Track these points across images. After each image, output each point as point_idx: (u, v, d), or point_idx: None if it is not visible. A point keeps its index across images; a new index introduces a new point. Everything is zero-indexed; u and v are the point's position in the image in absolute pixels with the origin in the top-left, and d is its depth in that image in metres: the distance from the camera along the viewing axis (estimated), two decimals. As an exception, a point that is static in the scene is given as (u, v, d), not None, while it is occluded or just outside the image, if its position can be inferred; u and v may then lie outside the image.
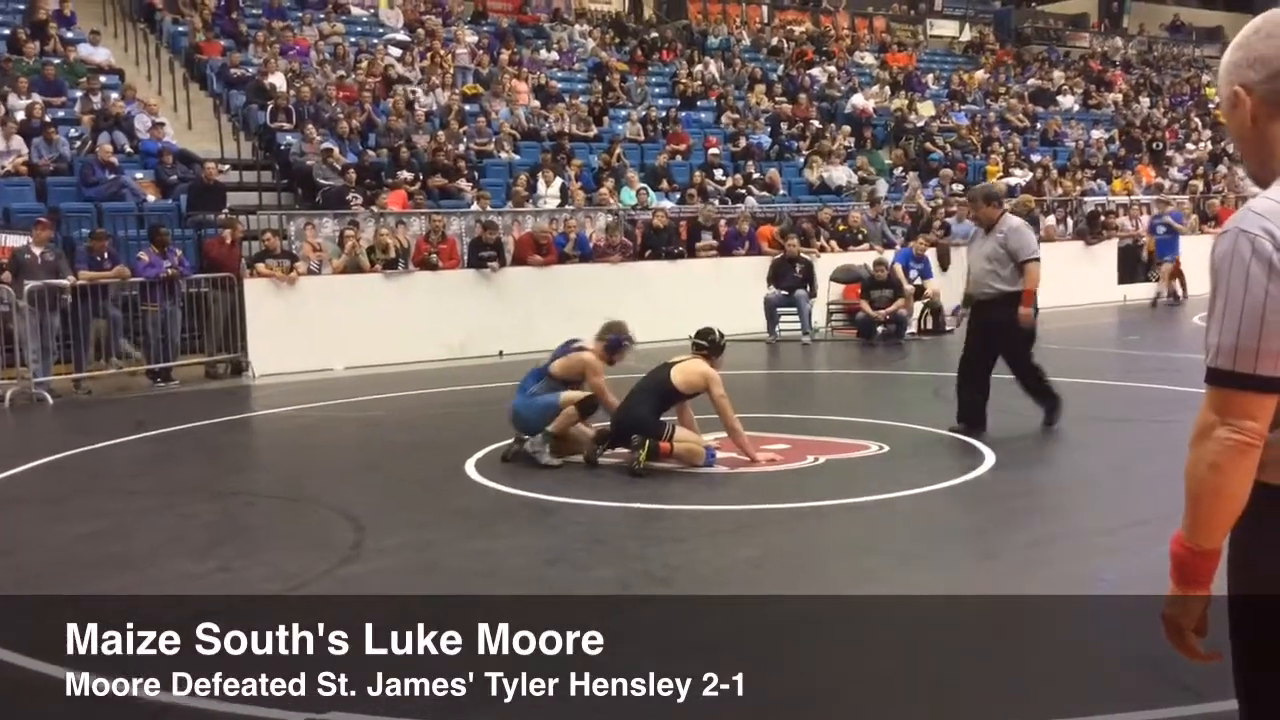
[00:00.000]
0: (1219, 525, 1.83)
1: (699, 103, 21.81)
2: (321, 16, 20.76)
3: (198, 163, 14.74)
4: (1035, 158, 22.70)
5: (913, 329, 15.14)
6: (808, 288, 14.99)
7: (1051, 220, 19.58)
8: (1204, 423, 1.82)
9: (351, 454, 8.54)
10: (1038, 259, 8.03)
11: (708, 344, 7.58)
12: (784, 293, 14.96)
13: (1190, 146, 26.15)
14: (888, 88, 24.61)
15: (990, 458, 7.21)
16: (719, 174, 18.72)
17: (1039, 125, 24.98)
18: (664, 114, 20.57)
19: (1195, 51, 34.57)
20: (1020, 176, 21.26)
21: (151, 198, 14.24)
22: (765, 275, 15.11)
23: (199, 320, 12.78)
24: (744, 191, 18.36)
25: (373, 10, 21.89)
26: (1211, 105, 27.43)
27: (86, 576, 5.28)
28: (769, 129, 21.31)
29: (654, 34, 24.89)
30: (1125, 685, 3.74)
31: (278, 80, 17.31)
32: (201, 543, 5.84)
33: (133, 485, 7.45)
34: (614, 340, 7.69)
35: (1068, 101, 27.17)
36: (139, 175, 14.53)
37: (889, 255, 15.99)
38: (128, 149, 15.01)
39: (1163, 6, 38.25)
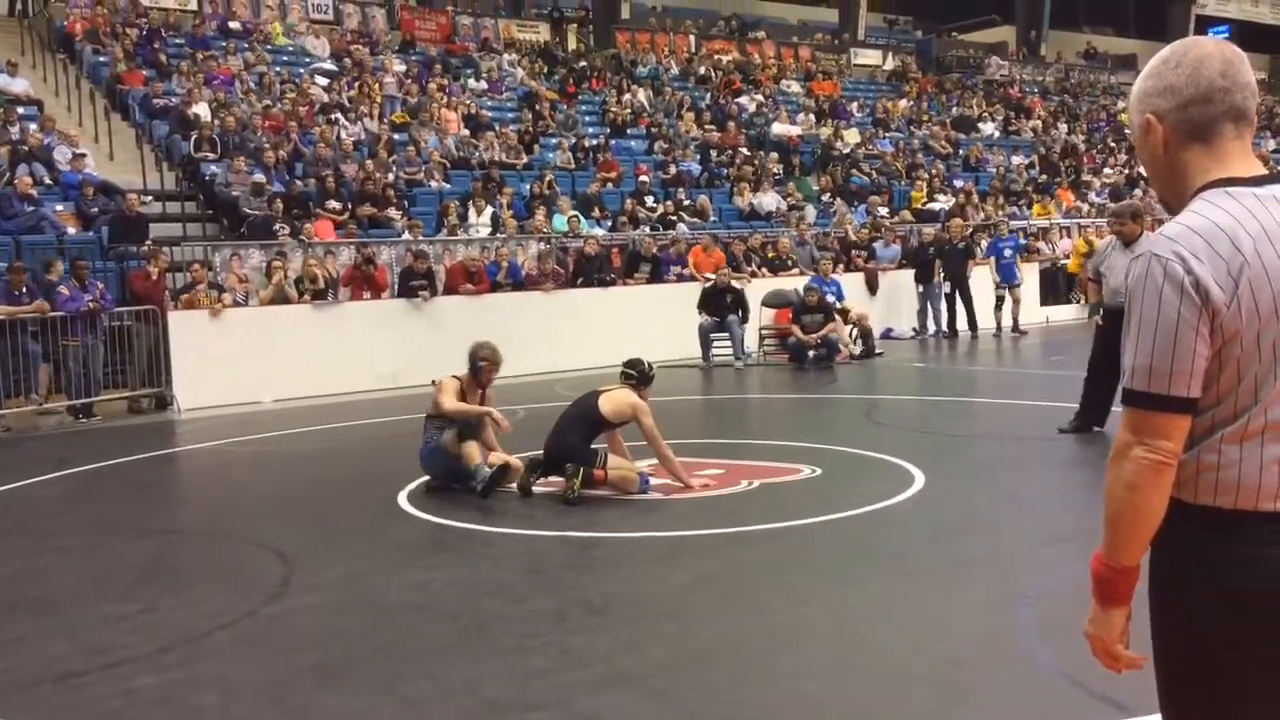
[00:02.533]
0: (1137, 543, 1.87)
1: (629, 131, 21.95)
2: (246, 46, 20.57)
3: (119, 194, 14.50)
4: (958, 183, 23.18)
5: (844, 353, 15.31)
6: (739, 313, 15.10)
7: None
8: (1121, 443, 1.86)
9: (280, 488, 8.40)
10: None
11: (636, 375, 7.60)
12: (716, 319, 15.07)
13: (1108, 171, 26.87)
14: (813, 115, 24.98)
15: (920, 479, 7.30)
16: (650, 201, 18.83)
17: (961, 151, 25.52)
18: (594, 142, 20.65)
19: (1110, 79, 35.63)
20: (944, 202, 21.67)
21: (72, 230, 13.97)
22: (696, 302, 15.20)
23: (122, 354, 12.53)
24: (675, 218, 18.49)
25: (295, 39, 21.74)
26: (1127, 131, 28.22)
27: (4, 621, 5.12)
28: (699, 156, 21.50)
29: (583, 63, 25.03)
30: (1051, 702, 3.79)
31: (201, 110, 17.10)
32: (125, 583, 5.70)
33: (53, 525, 7.25)
34: (471, 365, 7.81)
35: (988, 128, 27.80)
36: (59, 207, 14.26)
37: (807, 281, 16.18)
38: (47, 181, 14.74)
39: (1078, 35, 39.38)
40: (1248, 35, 41.45)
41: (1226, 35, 41.83)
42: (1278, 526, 1.83)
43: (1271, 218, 1.83)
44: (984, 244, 18.62)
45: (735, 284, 15.46)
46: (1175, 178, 1.95)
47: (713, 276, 15.51)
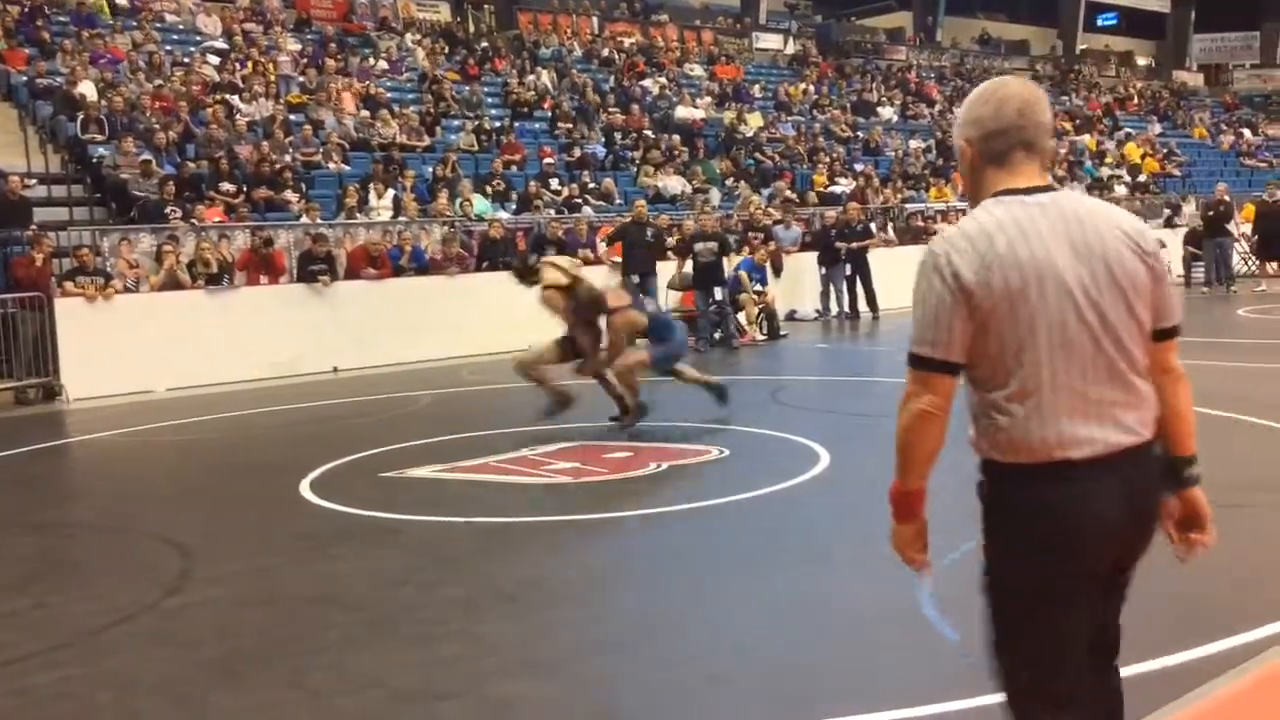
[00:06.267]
0: (918, 471, 2.38)
1: (534, 113, 21.77)
2: (134, 24, 19.88)
3: (1, 177, 13.90)
4: (859, 167, 23.48)
5: (748, 334, 15.41)
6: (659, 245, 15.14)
7: (890, 230, 20.32)
8: (904, 395, 2.33)
9: (177, 479, 8.17)
10: None
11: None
12: (635, 279, 15.05)
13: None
14: (716, 98, 25.08)
15: (826, 457, 7.40)
16: (554, 184, 18.71)
17: (861, 135, 25.85)
18: (498, 124, 20.44)
19: (1004, 64, 36.42)
20: (845, 185, 21.94)
21: (-49, 215, 13.36)
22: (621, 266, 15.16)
23: (6, 343, 12.04)
24: (580, 201, 18.40)
25: (188, 15, 21.07)
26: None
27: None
28: (603, 139, 21.42)
29: (484, 44, 24.74)
30: (957, 673, 3.87)
31: (88, 90, 16.48)
32: (16, 579, 5.49)
33: (-65, 522, 6.95)
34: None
35: (887, 113, 28.22)
36: (-64, 191, 13.63)
37: (738, 260, 16.26)
38: (-77, 163, 14.07)
39: (973, 21, 40.20)
40: (1135, 21, 42.76)
41: (1114, 21, 43.03)
42: (1059, 473, 2.23)
43: (1030, 220, 2.24)
44: None
45: (654, 222, 15.56)
46: (977, 190, 2.39)
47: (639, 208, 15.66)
